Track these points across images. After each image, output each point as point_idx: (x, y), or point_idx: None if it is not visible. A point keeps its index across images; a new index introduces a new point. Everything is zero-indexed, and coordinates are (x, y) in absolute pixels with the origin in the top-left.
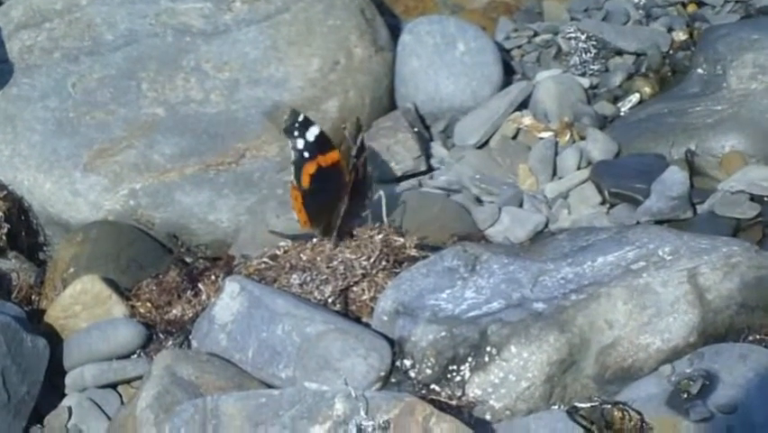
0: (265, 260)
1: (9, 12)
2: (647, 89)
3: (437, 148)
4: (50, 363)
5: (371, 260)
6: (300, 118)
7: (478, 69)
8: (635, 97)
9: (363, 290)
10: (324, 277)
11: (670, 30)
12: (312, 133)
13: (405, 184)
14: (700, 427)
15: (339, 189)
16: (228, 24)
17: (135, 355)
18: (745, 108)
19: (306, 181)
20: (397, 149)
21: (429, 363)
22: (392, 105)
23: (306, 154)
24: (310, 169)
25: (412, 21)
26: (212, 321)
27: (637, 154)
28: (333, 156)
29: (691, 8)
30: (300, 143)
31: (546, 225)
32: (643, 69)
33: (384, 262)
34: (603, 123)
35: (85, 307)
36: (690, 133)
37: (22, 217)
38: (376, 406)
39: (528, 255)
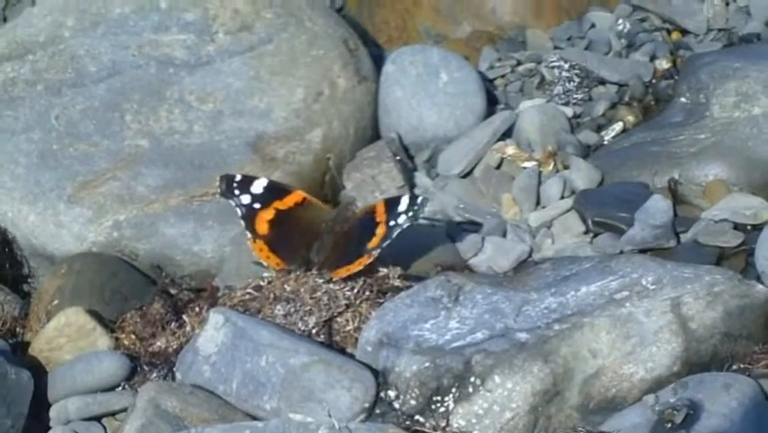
0: (249, 291)
1: None
2: (630, 118)
3: (421, 178)
4: (35, 396)
5: (355, 290)
6: (237, 178)
7: (461, 99)
8: (618, 126)
9: (347, 320)
10: (308, 308)
11: (653, 58)
12: (259, 186)
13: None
14: None
15: (313, 225)
16: (211, 55)
17: (120, 388)
18: (728, 137)
19: (263, 228)
20: (382, 179)
21: (413, 394)
22: (376, 135)
23: (257, 205)
24: (266, 216)
25: (395, 51)
26: (196, 353)
27: (621, 183)
28: (295, 197)
29: (675, 36)
30: (246, 199)
31: (530, 255)
32: (626, 98)
33: (368, 293)
34: (586, 152)
35: (69, 339)
36: (673, 162)
37: (6, 249)
38: None
39: (512, 285)
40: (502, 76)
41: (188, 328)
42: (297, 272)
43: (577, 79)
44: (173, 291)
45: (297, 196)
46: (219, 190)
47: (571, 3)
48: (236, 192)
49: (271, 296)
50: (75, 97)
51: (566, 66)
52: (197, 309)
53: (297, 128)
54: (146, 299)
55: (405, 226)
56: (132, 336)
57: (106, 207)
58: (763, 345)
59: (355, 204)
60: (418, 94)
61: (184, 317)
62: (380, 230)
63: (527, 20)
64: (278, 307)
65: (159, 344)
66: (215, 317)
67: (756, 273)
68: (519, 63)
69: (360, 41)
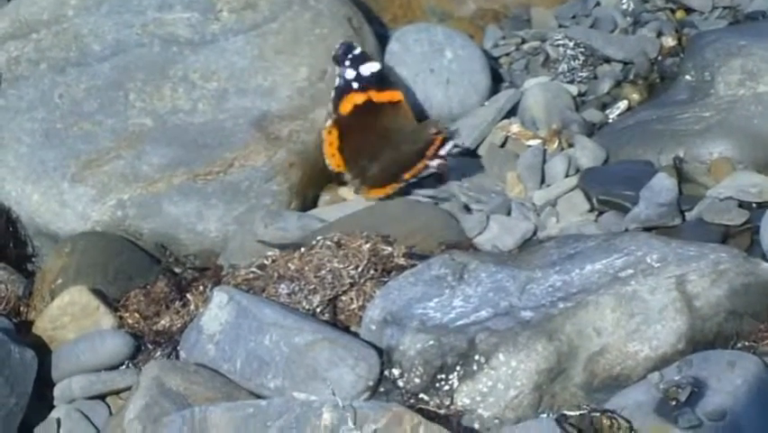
0: (253, 270)
1: None
2: (635, 96)
3: None
4: (39, 375)
5: (359, 269)
6: (356, 51)
7: (466, 77)
8: (623, 104)
9: (352, 299)
10: (313, 286)
11: (659, 35)
12: (368, 69)
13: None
14: None
15: (390, 132)
16: (215, 34)
17: (123, 366)
18: (733, 115)
19: (346, 108)
20: None
21: (417, 373)
22: None
23: (356, 85)
24: (357, 98)
25: (399, 29)
26: (200, 331)
27: (626, 161)
28: (393, 95)
29: (680, 15)
30: (350, 74)
31: (535, 233)
32: (631, 76)
33: (372, 271)
34: (591, 130)
35: (73, 318)
36: (678, 140)
37: (10, 228)
38: (364, 416)
39: (516, 263)
40: (507, 54)
41: (192, 307)
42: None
43: (582, 57)
44: (177, 270)
45: (394, 95)
46: (333, 54)
47: None
48: (347, 63)
49: (275, 275)
50: (78, 76)
51: (571, 44)
52: (201, 288)
53: (302, 107)
54: (150, 278)
55: (433, 170)
56: (136, 315)
57: (110, 186)
58: (767, 323)
59: (437, 126)
60: (423, 72)
61: (188, 295)
62: (419, 165)
63: None
64: (283, 285)
65: (162, 322)
66: (219, 296)
67: (761, 251)
68: (524, 41)
69: (364, 19)
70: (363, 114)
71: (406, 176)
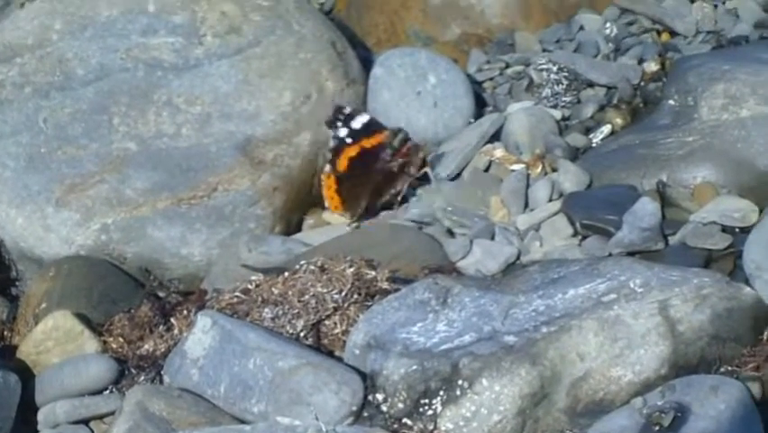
0: (237, 294)
1: None
2: (619, 120)
3: None
4: (23, 400)
5: (343, 293)
6: (347, 110)
7: (449, 102)
8: (606, 129)
9: (335, 323)
10: (296, 311)
11: (641, 61)
12: (359, 122)
13: (379, 216)
14: None
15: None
16: (199, 58)
17: (107, 391)
18: (716, 139)
19: (343, 165)
20: None
21: (401, 397)
22: None
23: (349, 140)
24: (351, 152)
25: (384, 53)
26: (184, 356)
27: (609, 186)
28: (379, 137)
29: (665, 38)
30: (343, 132)
31: (518, 258)
32: (614, 101)
33: (356, 296)
34: (575, 154)
35: (57, 342)
36: (661, 165)
37: None
38: None
39: (500, 288)
40: (491, 78)
41: (176, 331)
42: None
43: (565, 82)
44: (161, 294)
45: (381, 136)
46: (326, 120)
47: (559, 5)
48: (338, 124)
49: (259, 299)
50: (63, 100)
51: (554, 68)
52: (185, 312)
53: (286, 131)
54: (134, 303)
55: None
56: (120, 340)
57: (94, 210)
58: (750, 347)
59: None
60: (407, 96)
61: (172, 320)
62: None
63: (516, 22)
64: (267, 310)
65: (146, 347)
66: (203, 321)
67: (744, 276)
68: (508, 66)
69: (348, 43)
70: (358, 161)
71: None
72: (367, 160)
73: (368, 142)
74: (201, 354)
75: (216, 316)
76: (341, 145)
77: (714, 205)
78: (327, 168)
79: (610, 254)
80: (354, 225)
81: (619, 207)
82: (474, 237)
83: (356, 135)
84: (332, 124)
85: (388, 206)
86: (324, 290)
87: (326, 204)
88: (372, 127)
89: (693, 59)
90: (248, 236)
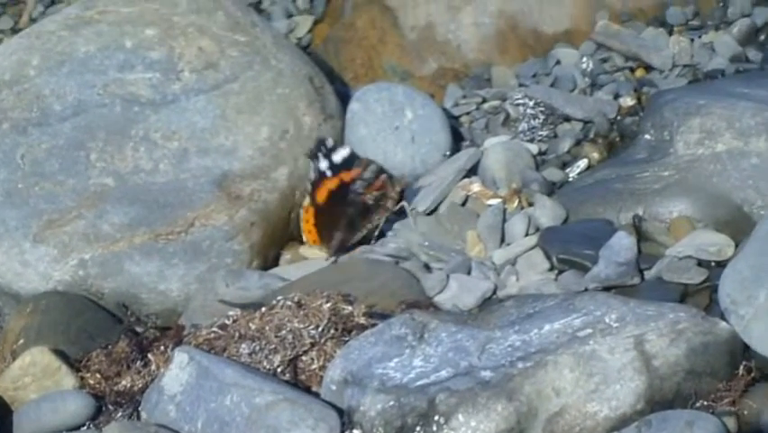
0: (214, 329)
1: None
2: (595, 155)
3: None
4: None
5: (320, 328)
6: (329, 143)
7: (426, 137)
8: (583, 163)
9: (312, 359)
10: (273, 346)
11: (616, 97)
12: (340, 156)
13: (356, 251)
14: None
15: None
16: (176, 94)
17: (85, 427)
18: (692, 174)
19: (322, 197)
20: None
21: None
22: None
23: (329, 173)
24: (330, 184)
25: (360, 89)
26: (161, 392)
27: (585, 220)
28: (358, 171)
29: (640, 73)
30: (324, 165)
31: (494, 292)
32: (591, 135)
33: (333, 331)
34: (551, 189)
35: (34, 378)
36: (637, 199)
37: None
38: None
39: (476, 323)
40: (467, 113)
41: (154, 367)
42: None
43: (542, 116)
44: (139, 330)
45: (363, 162)
46: (308, 152)
47: (536, 39)
48: (320, 156)
49: (236, 334)
50: (40, 136)
51: (531, 103)
52: (163, 348)
53: (263, 166)
54: (112, 338)
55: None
56: (98, 376)
57: (72, 245)
58: (726, 382)
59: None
60: (384, 132)
61: (149, 355)
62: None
63: (492, 57)
64: (244, 345)
65: (124, 383)
66: (180, 357)
67: (720, 310)
68: (484, 100)
69: (326, 78)
70: (337, 194)
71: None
72: (346, 193)
73: (347, 176)
74: (178, 391)
75: (193, 352)
76: (321, 178)
77: (690, 239)
78: (307, 200)
79: (586, 289)
80: (332, 259)
81: (596, 241)
82: (451, 272)
83: (336, 168)
84: (313, 156)
85: (366, 240)
86: (301, 326)
87: (304, 238)
88: (353, 161)
89: (669, 94)
90: (225, 271)
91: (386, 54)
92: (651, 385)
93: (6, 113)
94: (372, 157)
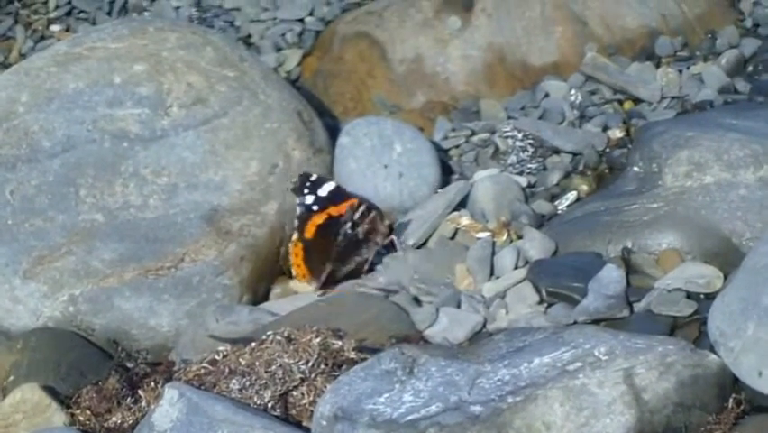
0: (204, 365)
1: None
2: (584, 187)
3: None
4: None
5: (310, 364)
6: (312, 178)
7: (415, 170)
8: (572, 195)
9: (303, 394)
10: (263, 382)
11: (605, 129)
12: (325, 189)
13: (345, 285)
14: None
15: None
16: (166, 129)
17: None
18: (681, 206)
19: (310, 232)
20: None
21: None
22: None
23: (315, 207)
24: (318, 220)
25: (349, 122)
26: (151, 428)
27: (574, 253)
28: (349, 204)
29: (628, 105)
30: (309, 199)
31: (484, 326)
32: (580, 167)
33: (323, 366)
34: (540, 221)
35: (25, 415)
36: (626, 231)
37: None
38: None
39: (466, 357)
40: (456, 146)
41: (144, 403)
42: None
43: (531, 149)
44: (129, 365)
45: (351, 202)
46: (292, 187)
47: (524, 72)
48: (305, 192)
49: (226, 370)
50: (29, 173)
51: (520, 135)
52: (153, 384)
53: (252, 201)
54: (102, 374)
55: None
56: (88, 412)
57: (62, 281)
58: (716, 414)
59: (389, 218)
60: (373, 165)
61: (140, 392)
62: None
63: (481, 90)
64: (234, 381)
65: (114, 419)
66: (170, 393)
67: (709, 343)
68: (473, 133)
69: (314, 112)
70: (325, 229)
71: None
72: (334, 228)
73: (335, 210)
74: (168, 427)
75: (183, 388)
76: (308, 213)
77: (679, 271)
78: (295, 236)
79: (576, 322)
80: (320, 293)
81: (585, 274)
82: (440, 305)
83: (323, 203)
84: (298, 191)
85: (356, 274)
86: (291, 361)
87: (293, 272)
88: (339, 194)
89: (657, 126)
90: (215, 307)
91: (375, 88)
92: (641, 419)
93: None
94: (362, 190)
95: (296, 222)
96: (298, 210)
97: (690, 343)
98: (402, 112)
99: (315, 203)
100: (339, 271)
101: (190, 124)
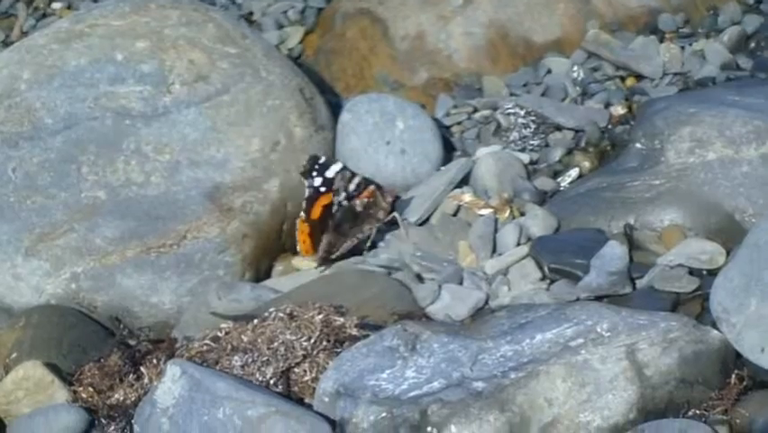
0: (207, 342)
1: None
2: (587, 164)
3: None
4: None
5: (312, 340)
6: (321, 160)
7: (418, 147)
8: (574, 172)
9: (305, 370)
10: (266, 358)
11: (607, 105)
12: (333, 170)
13: (348, 261)
14: None
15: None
16: (167, 106)
17: None
18: (683, 182)
19: (316, 213)
20: None
21: None
22: None
23: (323, 189)
24: (324, 200)
25: (351, 99)
26: (154, 405)
27: (577, 229)
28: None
29: (630, 82)
30: (318, 181)
31: (486, 302)
32: (582, 144)
33: (325, 343)
34: (543, 198)
35: (27, 393)
36: (628, 208)
37: None
38: None
39: (468, 333)
40: (458, 123)
41: (146, 381)
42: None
43: (533, 126)
44: (131, 343)
45: (344, 175)
46: (302, 170)
47: (526, 49)
48: (314, 174)
49: (229, 347)
50: (31, 150)
51: (522, 112)
52: (155, 361)
53: (254, 178)
54: (104, 352)
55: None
56: (90, 389)
57: (64, 259)
58: (718, 390)
59: (391, 194)
60: (375, 142)
61: (142, 369)
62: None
63: (483, 66)
64: (236, 358)
65: (116, 396)
66: (172, 370)
67: (711, 319)
68: (475, 110)
69: (316, 89)
70: (330, 209)
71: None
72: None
73: None
74: (171, 404)
75: (186, 365)
76: (315, 194)
77: (681, 248)
78: (302, 215)
79: (578, 299)
80: (321, 268)
81: (587, 250)
82: (443, 282)
83: (330, 184)
84: (307, 174)
85: (358, 251)
86: (293, 338)
87: (298, 247)
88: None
89: (660, 103)
90: (217, 284)
91: (377, 65)
92: (643, 394)
93: None
94: (364, 167)
95: (304, 204)
96: (307, 192)
97: (693, 319)
98: (404, 89)
99: (322, 184)
100: (338, 243)
101: (192, 101)
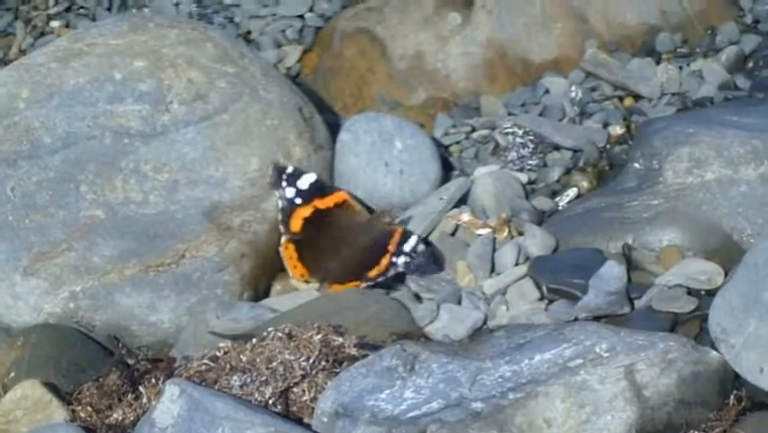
0: (205, 361)
1: None
2: (585, 184)
3: None
4: None
5: (311, 360)
6: (288, 170)
7: (416, 167)
8: (572, 192)
9: (304, 390)
10: (264, 378)
11: (606, 125)
12: (305, 181)
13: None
14: None
15: (343, 231)
16: (166, 125)
17: None
18: (681, 202)
19: (296, 225)
20: None
21: None
22: None
23: (299, 201)
24: (303, 213)
25: (350, 119)
26: (152, 425)
27: (575, 249)
28: (337, 197)
29: (628, 102)
30: (290, 192)
31: (485, 322)
32: (580, 164)
33: (323, 363)
34: (541, 218)
35: (26, 412)
36: (627, 228)
37: None
38: None
39: (467, 353)
40: (457, 142)
41: (145, 400)
42: (319, 287)
43: (531, 145)
44: (130, 362)
45: (339, 197)
46: (269, 180)
47: (524, 68)
48: (283, 184)
49: (227, 366)
50: (30, 169)
51: (520, 132)
52: (154, 381)
53: (253, 197)
54: (103, 371)
55: (400, 270)
56: (89, 409)
57: (62, 278)
58: (717, 411)
59: (389, 215)
60: (373, 162)
61: (140, 388)
62: (384, 261)
63: (481, 86)
64: (235, 377)
65: (115, 416)
66: (171, 389)
67: (710, 339)
68: (474, 129)
69: (315, 109)
70: (314, 223)
71: (371, 274)
72: (323, 220)
73: (322, 203)
74: (170, 423)
75: (184, 384)
76: (291, 206)
77: (680, 268)
78: (283, 236)
79: (576, 319)
80: (321, 288)
81: (586, 270)
82: (441, 302)
83: (306, 195)
84: (275, 184)
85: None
86: (292, 357)
87: (291, 274)
88: (321, 187)
89: (658, 123)
90: (216, 303)
91: (375, 84)
92: (642, 415)
93: None
94: (362, 187)
95: (279, 216)
96: (280, 204)
97: (691, 339)
98: (402, 108)
99: (297, 195)
100: (340, 272)
101: (191, 120)
